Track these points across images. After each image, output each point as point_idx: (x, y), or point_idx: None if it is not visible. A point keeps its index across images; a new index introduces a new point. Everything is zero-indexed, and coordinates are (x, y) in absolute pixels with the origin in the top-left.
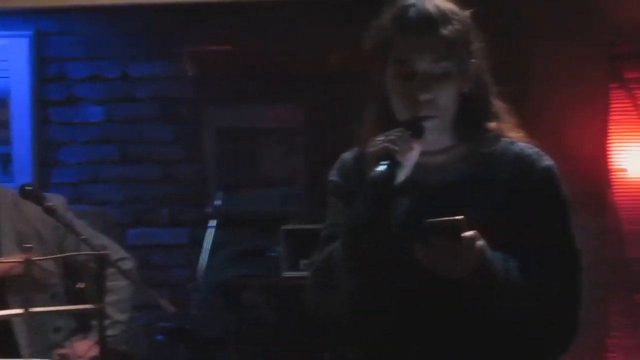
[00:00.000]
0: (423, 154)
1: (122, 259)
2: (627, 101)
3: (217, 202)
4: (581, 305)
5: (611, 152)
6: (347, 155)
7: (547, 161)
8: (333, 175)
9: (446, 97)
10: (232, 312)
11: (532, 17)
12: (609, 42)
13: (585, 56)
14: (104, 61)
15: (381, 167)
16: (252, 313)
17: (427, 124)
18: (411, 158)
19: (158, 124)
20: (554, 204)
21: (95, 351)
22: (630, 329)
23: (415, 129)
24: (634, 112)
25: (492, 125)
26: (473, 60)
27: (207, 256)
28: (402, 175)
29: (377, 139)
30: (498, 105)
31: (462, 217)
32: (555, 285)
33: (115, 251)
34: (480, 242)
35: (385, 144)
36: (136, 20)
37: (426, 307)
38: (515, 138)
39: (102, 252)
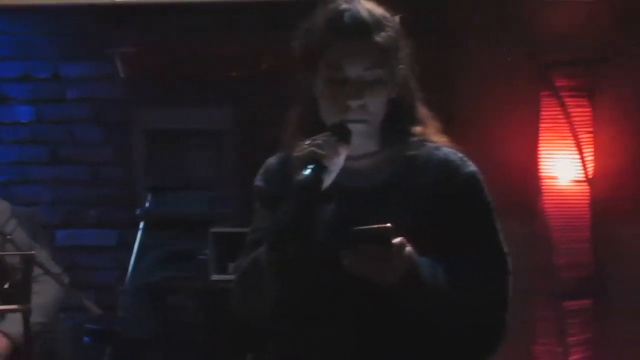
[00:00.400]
0: (349, 158)
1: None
2: (557, 109)
3: (146, 204)
4: (508, 309)
5: (541, 160)
6: (272, 160)
7: (471, 167)
8: (258, 180)
9: (376, 103)
10: (159, 314)
11: (459, 24)
12: (538, 50)
13: (514, 64)
14: (35, 61)
15: (307, 172)
16: (179, 316)
17: (356, 128)
18: (337, 163)
19: (88, 125)
20: (479, 209)
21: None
22: (557, 336)
23: (342, 134)
24: (564, 120)
25: (417, 130)
26: (401, 66)
27: (135, 258)
28: (328, 180)
29: (304, 143)
30: (423, 111)
31: (390, 224)
32: (482, 289)
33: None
34: (408, 249)
35: (312, 149)
36: (67, 20)
37: (351, 312)
38: (440, 143)
39: (28, 252)
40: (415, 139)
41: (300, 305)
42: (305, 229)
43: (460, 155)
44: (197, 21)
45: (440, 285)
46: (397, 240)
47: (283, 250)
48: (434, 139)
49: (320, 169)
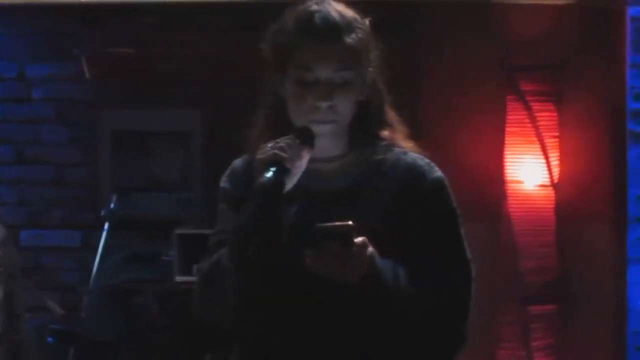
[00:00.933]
0: (315, 161)
1: None
2: (523, 113)
3: (111, 205)
4: (469, 316)
5: (507, 164)
6: (238, 162)
7: (438, 173)
8: (224, 182)
9: (345, 105)
10: (123, 316)
11: (426, 28)
12: (505, 54)
13: (481, 68)
14: (1, 61)
15: (269, 174)
16: (143, 317)
17: (323, 130)
18: (300, 166)
19: (54, 125)
20: (444, 215)
21: None
22: (522, 340)
23: (305, 137)
24: (530, 124)
25: (385, 134)
26: (370, 69)
27: (99, 259)
28: (290, 183)
29: (267, 145)
30: (391, 114)
31: (351, 222)
32: (444, 295)
33: None
34: (370, 249)
35: (274, 151)
36: (34, 20)
37: (314, 315)
38: (408, 148)
39: None
40: (383, 143)
41: (263, 307)
42: (266, 231)
43: (427, 161)
44: (164, 22)
45: (402, 288)
46: (359, 239)
47: (244, 252)
48: (402, 143)
49: (283, 171)
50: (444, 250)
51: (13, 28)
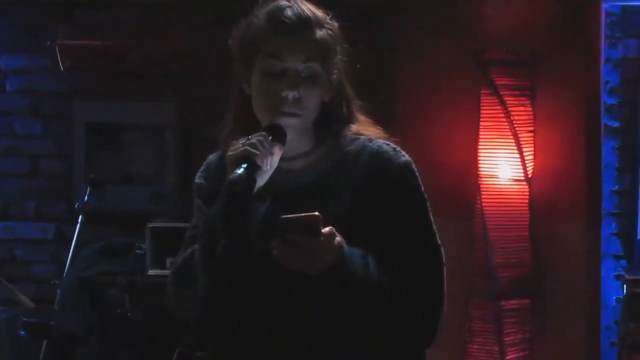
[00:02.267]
0: (283, 159)
1: None
2: (498, 108)
3: (85, 198)
4: (443, 302)
5: (481, 158)
6: (213, 157)
7: (404, 157)
8: (198, 177)
9: (311, 99)
10: (96, 308)
11: (400, 22)
12: (477, 49)
13: (453, 63)
14: None
15: (239, 171)
16: (116, 310)
17: (289, 122)
18: (272, 162)
19: (27, 117)
20: (411, 199)
21: None
22: (494, 335)
23: (277, 134)
24: (505, 119)
25: (352, 127)
26: (336, 71)
27: (73, 252)
28: (261, 180)
29: (238, 142)
30: (361, 118)
31: (317, 213)
32: (415, 282)
33: None
34: (337, 239)
35: (245, 148)
36: (8, 12)
37: (284, 310)
38: (373, 135)
39: None
40: (348, 136)
41: (232, 303)
42: (235, 227)
43: (393, 146)
44: (139, 15)
45: (372, 276)
46: (326, 230)
47: (212, 248)
48: (368, 132)
49: (253, 168)
50: (414, 236)
51: None
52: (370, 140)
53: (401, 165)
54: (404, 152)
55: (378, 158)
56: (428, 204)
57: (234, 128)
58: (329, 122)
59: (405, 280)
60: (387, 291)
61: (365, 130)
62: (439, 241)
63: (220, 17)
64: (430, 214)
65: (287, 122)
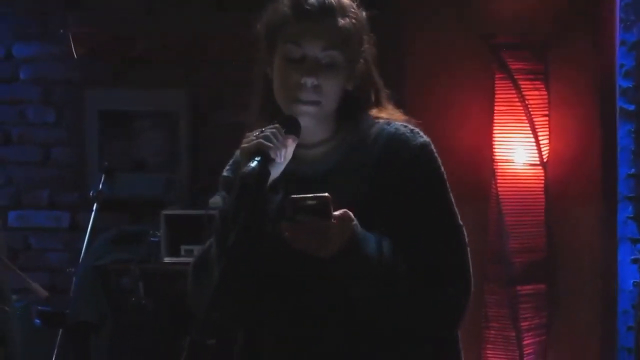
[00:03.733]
0: (302, 146)
1: None
2: (512, 92)
3: (99, 186)
4: (470, 281)
5: (496, 143)
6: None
7: (421, 138)
8: (226, 171)
9: (331, 86)
10: (109, 297)
11: (412, 6)
12: (489, 32)
13: (469, 47)
14: None
15: (253, 164)
16: (130, 298)
17: (307, 110)
18: (285, 155)
19: (40, 105)
20: (430, 180)
21: None
22: (509, 320)
23: (290, 126)
24: (520, 103)
25: (372, 112)
26: (362, 60)
27: (87, 240)
28: (275, 172)
29: (252, 134)
30: (389, 107)
31: (327, 194)
32: (439, 263)
33: None
34: (352, 222)
35: (259, 140)
36: (21, 0)
37: (301, 300)
38: (392, 118)
39: None
40: (367, 121)
41: (242, 294)
42: (249, 219)
43: (411, 127)
44: (152, 2)
45: (386, 260)
46: (338, 212)
47: (226, 240)
48: (387, 115)
49: (267, 161)
50: (434, 217)
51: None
52: (389, 123)
53: (419, 145)
54: (422, 134)
55: (395, 140)
56: (448, 185)
57: (260, 115)
58: (354, 111)
59: (428, 262)
60: (405, 275)
61: (385, 113)
62: (460, 222)
63: (233, 4)
64: (450, 194)
65: (305, 110)
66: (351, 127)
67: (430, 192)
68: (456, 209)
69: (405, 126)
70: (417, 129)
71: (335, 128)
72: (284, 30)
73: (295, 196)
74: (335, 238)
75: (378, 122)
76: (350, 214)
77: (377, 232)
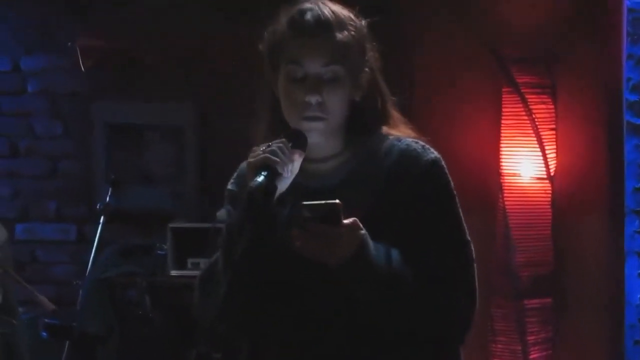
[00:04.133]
0: (311, 161)
1: None
2: (519, 105)
3: (106, 199)
4: (475, 296)
5: (503, 156)
6: (244, 164)
7: (432, 154)
8: (230, 184)
9: (335, 101)
10: (117, 309)
11: (419, 19)
12: (496, 46)
13: (475, 60)
14: None
15: (260, 178)
16: (137, 311)
17: (314, 127)
18: (292, 169)
19: (48, 118)
20: (440, 195)
21: None
22: (516, 334)
23: (297, 140)
24: (527, 117)
25: (383, 129)
26: (366, 69)
27: (94, 253)
28: (282, 186)
29: (258, 148)
30: (395, 115)
31: (338, 201)
32: (446, 277)
33: None
34: (361, 231)
35: (265, 155)
36: (29, 13)
37: (309, 312)
38: (403, 135)
39: None
40: (378, 136)
41: (255, 306)
42: (255, 233)
43: (422, 144)
44: (159, 14)
45: (394, 270)
46: (348, 220)
47: (232, 255)
48: (398, 132)
49: (274, 175)
50: (443, 232)
51: (7, 21)
52: (399, 139)
53: (430, 161)
54: (432, 150)
55: (406, 155)
56: (457, 200)
57: (267, 132)
58: (362, 121)
59: (435, 275)
60: (412, 285)
61: (396, 131)
62: (469, 237)
63: (242, 16)
64: (460, 210)
65: (313, 127)
66: (361, 142)
67: (440, 208)
68: (465, 225)
69: (417, 142)
70: (427, 145)
71: (345, 142)
72: (284, 50)
73: (306, 202)
74: (345, 246)
75: (388, 138)
76: (359, 222)
77: (382, 242)
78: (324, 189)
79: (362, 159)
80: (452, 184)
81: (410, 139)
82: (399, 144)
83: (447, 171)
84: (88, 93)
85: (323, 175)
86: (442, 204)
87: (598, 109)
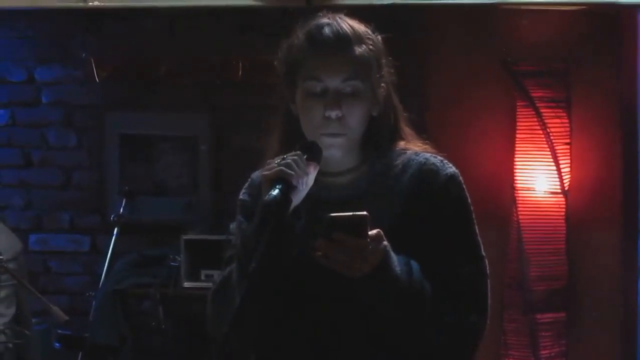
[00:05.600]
0: (329, 174)
1: None
2: (534, 120)
3: (119, 210)
4: (487, 311)
5: (517, 170)
6: (256, 174)
7: (450, 169)
8: (242, 194)
9: (355, 116)
10: (130, 320)
11: (432, 34)
12: (510, 60)
13: (489, 74)
14: (10, 64)
15: (274, 191)
16: (150, 322)
17: (334, 142)
18: (307, 182)
19: (62, 128)
20: (456, 210)
21: None
22: (529, 349)
23: (312, 153)
24: (541, 131)
25: (400, 144)
26: (383, 85)
27: (108, 264)
28: (297, 199)
29: (273, 161)
30: (407, 131)
31: (365, 213)
32: (459, 291)
33: None
34: (384, 242)
35: (280, 168)
36: (43, 24)
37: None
38: (421, 149)
39: None
40: (395, 151)
41: (269, 319)
42: (270, 246)
43: (440, 158)
44: (172, 26)
45: (414, 283)
46: (373, 232)
47: (247, 268)
48: (416, 147)
49: (289, 188)
50: (458, 246)
51: (22, 32)
52: (417, 154)
53: (447, 176)
54: (450, 164)
55: (424, 170)
56: (474, 216)
57: (281, 145)
58: (376, 136)
59: (448, 289)
60: (429, 299)
61: (413, 146)
62: (483, 252)
63: (253, 28)
64: (475, 225)
65: (333, 142)
66: (378, 156)
67: (457, 222)
68: (480, 240)
69: (435, 157)
70: (445, 160)
71: (362, 156)
72: (303, 66)
73: (333, 214)
74: (369, 258)
75: (406, 152)
76: (383, 234)
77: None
78: (342, 202)
79: (380, 173)
80: (469, 199)
81: (429, 154)
82: (417, 158)
83: (464, 186)
84: (102, 104)
85: (340, 188)
86: (458, 219)
87: (613, 123)
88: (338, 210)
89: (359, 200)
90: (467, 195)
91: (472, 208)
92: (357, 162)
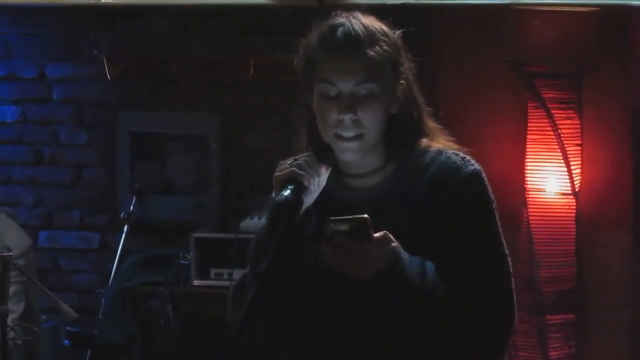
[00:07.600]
0: (353, 176)
1: None
2: (545, 121)
3: (129, 208)
4: (513, 310)
5: (528, 171)
6: None
7: (473, 166)
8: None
9: (370, 118)
10: (139, 319)
11: (444, 34)
12: (521, 61)
13: (501, 75)
14: (21, 61)
15: (286, 192)
16: (159, 320)
17: (349, 146)
18: (318, 182)
19: (73, 126)
20: (478, 207)
21: None
22: (538, 350)
23: (323, 154)
24: (552, 132)
25: (423, 141)
26: (402, 82)
27: (118, 262)
28: (308, 200)
29: (285, 162)
30: (430, 124)
31: (366, 215)
32: (481, 291)
33: None
34: (392, 244)
35: (292, 169)
36: (55, 21)
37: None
38: (444, 147)
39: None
40: (419, 149)
41: (280, 319)
42: (281, 247)
43: (462, 156)
44: (184, 24)
45: (428, 283)
46: (378, 234)
47: (257, 266)
48: (440, 144)
49: (300, 189)
50: (481, 244)
51: (33, 29)
52: (440, 152)
53: (469, 173)
54: (473, 162)
55: (446, 168)
56: (496, 213)
57: (308, 142)
58: (400, 134)
59: (473, 289)
60: (444, 300)
61: (437, 143)
62: (506, 250)
63: (264, 26)
64: (498, 223)
65: (348, 147)
66: (402, 156)
67: (479, 220)
68: (502, 238)
69: (457, 154)
70: (468, 157)
71: (385, 156)
72: (316, 67)
73: (333, 218)
74: (374, 260)
75: (429, 151)
76: (391, 236)
77: (421, 256)
78: (365, 204)
79: (404, 174)
80: (492, 196)
81: (451, 152)
82: (440, 156)
83: (487, 184)
84: (113, 102)
85: (365, 190)
86: (481, 217)
87: (623, 124)
88: (361, 212)
89: (383, 201)
90: (490, 192)
91: (494, 205)
92: (381, 162)
